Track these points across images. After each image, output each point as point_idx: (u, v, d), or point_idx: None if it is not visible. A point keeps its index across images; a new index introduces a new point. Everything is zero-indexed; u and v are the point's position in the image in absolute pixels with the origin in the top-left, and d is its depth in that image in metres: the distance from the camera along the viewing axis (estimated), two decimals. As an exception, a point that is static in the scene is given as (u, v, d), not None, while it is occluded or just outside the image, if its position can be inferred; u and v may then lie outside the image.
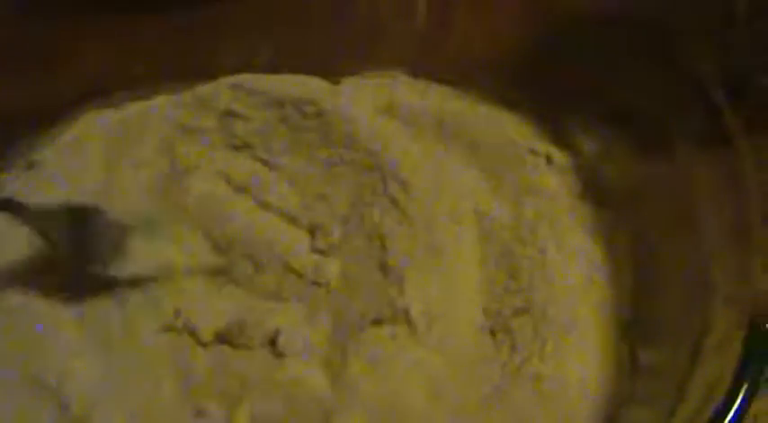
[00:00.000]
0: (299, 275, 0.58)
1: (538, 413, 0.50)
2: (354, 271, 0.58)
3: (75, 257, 0.54)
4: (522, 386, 0.51)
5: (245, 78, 0.67)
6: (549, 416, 0.50)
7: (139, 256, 0.56)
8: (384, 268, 0.57)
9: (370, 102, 0.66)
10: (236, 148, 0.66)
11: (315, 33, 0.70)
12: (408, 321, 0.53)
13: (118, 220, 0.56)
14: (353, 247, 0.59)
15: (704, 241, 0.52)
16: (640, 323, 0.54)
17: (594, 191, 0.60)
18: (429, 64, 0.69)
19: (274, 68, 0.69)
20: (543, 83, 0.64)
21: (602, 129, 0.62)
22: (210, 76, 0.68)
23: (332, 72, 0.69)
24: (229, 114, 0.66)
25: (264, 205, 0.63)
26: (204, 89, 0.67)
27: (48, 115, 0.66)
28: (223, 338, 0.55)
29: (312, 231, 0.61)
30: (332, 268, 0.58)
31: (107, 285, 0.55)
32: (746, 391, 0.41)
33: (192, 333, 0.55)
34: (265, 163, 0.65)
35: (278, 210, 0.62)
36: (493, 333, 0.54)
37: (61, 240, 0.53)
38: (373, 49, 0.70)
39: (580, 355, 0.52)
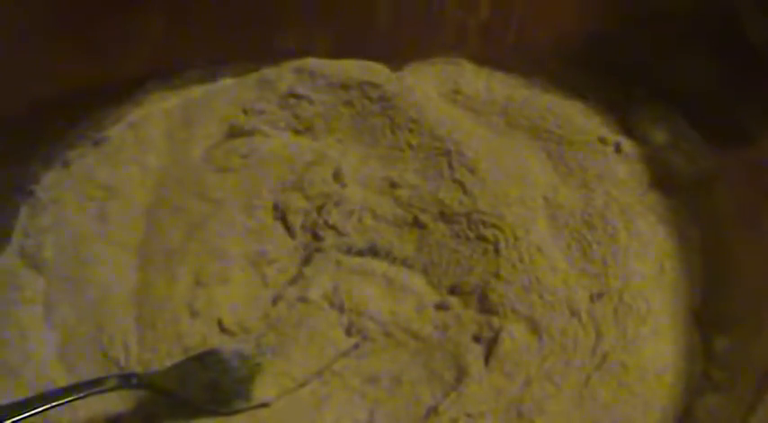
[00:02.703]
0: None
1: (621, 403, 0.50)
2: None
3: (208, 401, 0.53)
4: (609, 376, 0.51)
5: (309, 62, 0.67)
6: (631, 405, 0.50)
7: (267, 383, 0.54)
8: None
9: (434, 87, 0.66)
10: (298, 132, 0.66)
11: (375, 20, 0.71)
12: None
13: (239, 353, 0.55)
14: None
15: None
16: (714, 311, 0.54)
17: (665, 179, 0.59)
18: (492, 52, 0.68)
19: (335, 54, 0.69)
20: (611, 71, 0.64)
21: (672, 118, 0.61)
22: (273, 60, 0.68)
23: (393, 58, 0.69)
24: (293, 96, 0.66)
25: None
26: (268, 72, 0.67)
27: (113, 95, 0.66)
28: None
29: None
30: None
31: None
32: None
33: None
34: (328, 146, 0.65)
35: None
36: (577, 316, 0.53)
37: (189, 392, 0.52)
38: (435, 37, 0.70)
39: (656, 342, 0.52)
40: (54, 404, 0.46)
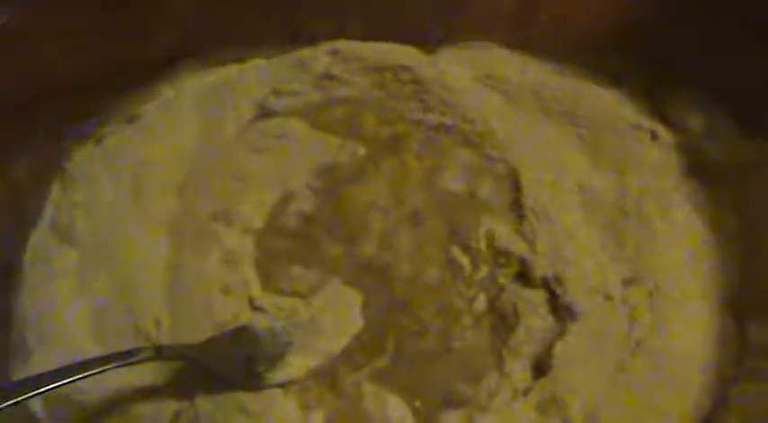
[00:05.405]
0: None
1: (656, 389, 0.50)
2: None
3: (240, 375, 0.53)
4: (644, 361, 0.51)
5: (343, 44, 0.67)
6: (666, 392, 0.50)
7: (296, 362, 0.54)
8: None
9: (467, 71, 0.65)
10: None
11: (407, 3, 0.70)
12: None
13: (271, 330, 0.55)
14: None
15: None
16: (748, 300, 0.53)
17: (700, 167, 0.59)
18: (525, 36, 0.68)
19: (367, 37, 0.69)
20: (646, 57, 0.63)
21: (708, 106, 0.60)
22: (305, 42, 0.68)
23: (425, 42, 0.69)
24: (328, 78, 0.65)
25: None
26: (301, 53, 0.67)
27: (145, 73, 0.66)
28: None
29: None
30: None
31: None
32: None
33: None
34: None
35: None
36: (611, 301, 0.53)
37: (222, 366, 0.52)
38: (467, 21, 0.70)
39: (691, 329, 0.52)
40: (88, 373, 0.46)
